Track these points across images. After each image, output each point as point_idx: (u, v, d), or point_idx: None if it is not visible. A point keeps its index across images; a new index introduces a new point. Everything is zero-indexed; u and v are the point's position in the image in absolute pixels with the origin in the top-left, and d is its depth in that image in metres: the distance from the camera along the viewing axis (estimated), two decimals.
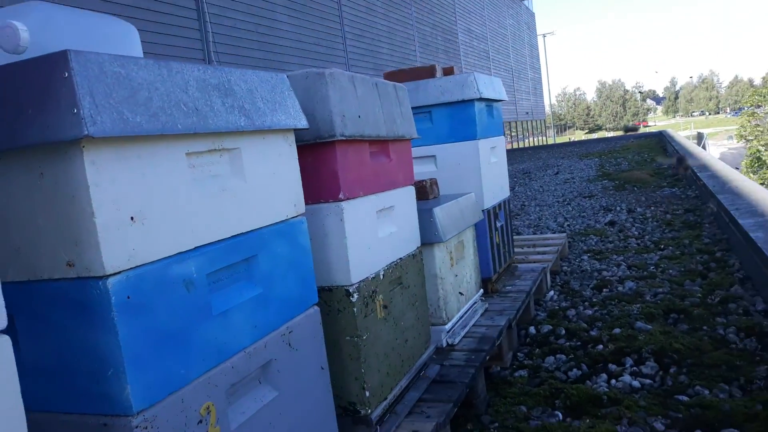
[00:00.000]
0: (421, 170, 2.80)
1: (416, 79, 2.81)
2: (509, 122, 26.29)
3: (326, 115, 1.42)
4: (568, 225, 5.03)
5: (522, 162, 14.22)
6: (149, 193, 0.93)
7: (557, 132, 79.67)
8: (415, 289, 1.86)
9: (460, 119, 2.72)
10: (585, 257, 3.84)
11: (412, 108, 2.59)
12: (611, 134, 67.08)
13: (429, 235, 2.05)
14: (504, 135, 3.15)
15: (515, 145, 26.70)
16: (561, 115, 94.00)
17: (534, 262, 3.32)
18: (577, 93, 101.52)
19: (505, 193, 3.07)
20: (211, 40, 9.26)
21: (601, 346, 2.41)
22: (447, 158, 2.75)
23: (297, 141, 1.44)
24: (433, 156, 2.78)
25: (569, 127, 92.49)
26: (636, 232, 4.41)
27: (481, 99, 2.71)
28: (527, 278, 2.94)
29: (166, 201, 0.96)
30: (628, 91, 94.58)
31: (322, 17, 12.29)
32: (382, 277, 1.63)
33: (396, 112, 1.80)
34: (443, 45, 18.88)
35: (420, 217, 2.02)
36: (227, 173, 1.13)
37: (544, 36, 46.60)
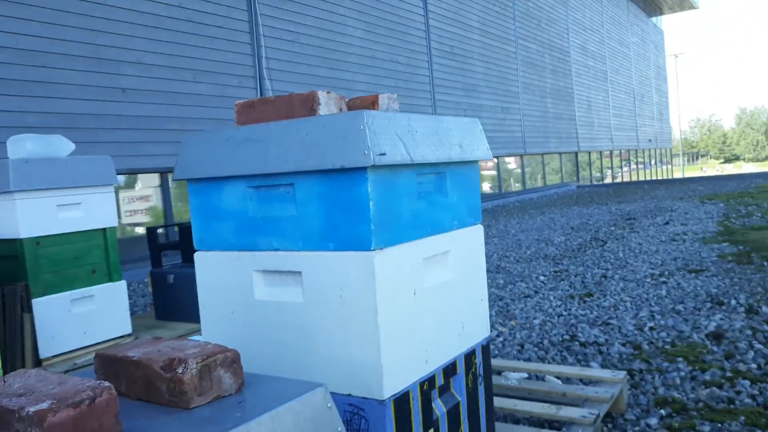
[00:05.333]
0: (276, 298, 1.41)
1: (284, 117, 1.44)
2: (629, 150, 23.76)
3: None
4: (653, 329, 3.37)
5: (631, 201, 12.16)
6: None
7: (689, 160, 73.83)
8: None
9: (341, 205, 1.31)
10: (653, 420, 2.24)
11: (258, 176, 1.26)
12: (750, 166, 60.95)
13: None
14: (479, 221, 1.69)
15: (634, 177, 24.07)
16: (693, 142, 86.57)
17: None
18: (713, 119, 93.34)
19: (467, 341, 1.60)
20: (264, 54, 8.27)
21: None
22: (319, 281, 1.35)
23: None
24: (298, 273, 1.39)
25: (702, 156, 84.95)
26: (755, 364, 2.71)
27: (379, 167, 1.29)
28: None
29: None
30: None
31: (402, 31, 11.05)
32: None
33: None
34: (551, 64, 17.08)
35: None
36: None
37: (675, 56, 42.91)
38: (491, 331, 3.57)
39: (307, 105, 1.42)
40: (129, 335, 3.49)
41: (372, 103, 1.56)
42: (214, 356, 1.07)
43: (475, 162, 1.64)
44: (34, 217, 3.05)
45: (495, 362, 2.67)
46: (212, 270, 1.51)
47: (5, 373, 2.95)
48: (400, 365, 1.33)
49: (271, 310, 1.42)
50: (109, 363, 1.15)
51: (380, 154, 1.24)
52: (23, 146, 3.16)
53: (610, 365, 2.86)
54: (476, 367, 1.63)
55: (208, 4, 7.64)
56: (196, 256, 1.54)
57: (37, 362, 3.06)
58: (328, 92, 1.44)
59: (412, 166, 1.38)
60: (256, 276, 1.44)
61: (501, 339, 3.41)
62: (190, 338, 1.26)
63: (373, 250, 1.26)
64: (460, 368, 1.55)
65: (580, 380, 2.50)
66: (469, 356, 1.60)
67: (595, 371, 2.43)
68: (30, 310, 3.03)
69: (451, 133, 1.51)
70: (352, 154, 1.24)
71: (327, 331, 1.33)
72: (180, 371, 1.02)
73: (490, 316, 3.93)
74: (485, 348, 1.68)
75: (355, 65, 9.81)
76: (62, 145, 3.31)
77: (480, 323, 1.66)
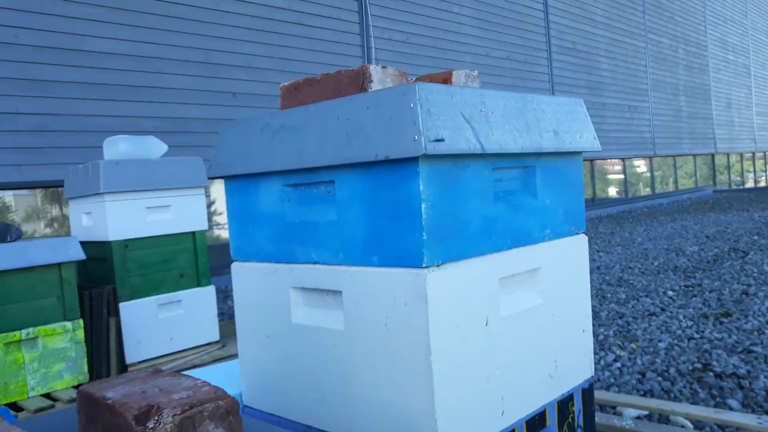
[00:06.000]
0: (314, 322, 1.14)
1: (332, 98, 1.16)
2: (765, 153, 21.47)
3: None
4: None
5: (765, 208, 10.82)
6: None
7: None
8: None
9: (385, 208, 1.01)
10: None
11: (295, 172, 1.00)
12: None
13: None
14: (582, 230, 1.32)
15: None
16: None
17: None
18: None
19: (562, 385, 1.24)
20: (374, 56, 8.13)
21: None
22: (361, 304, 1.06)
23: None
24: (338, 292, 1.11)
25: None
26: None
27: (436, 157, 0.97)
28: None
29: None
30: None
31: (520, 27, 10.55)
32: None
33: None
34: (685, 59, 15.75)
35: None
36: None
37: None
38: (607, 354, 3.11)
39: (357, 83, 1.14)
40: (216, 342, 3.38)
41: (444, 81, 1.25)
42: (201, 406, 0.81)
43: (577, 154, 1.29)
44: (122, 219, 3.00)
45: (608, 395, 2.25)
46: (248, 285, 1.27)
47: (91, 377, 2.92)
48: (465, 418, 1.01)
49: (310, 337, 1.15)
50: (88, 403, 0.93)
51: (436, 140, 0.93)
52: (116, 148, 3.14)
53: (754, 404, 2.34)
54: (574, 416, 1.27)
55: (318, 6, 7.62)
56: (233, 267, 1.30)
57: (123, 368, 3.02)
58: (384, 66, 1.15)
59: (485, 156, 1.05)
60: (294, 294, 1.17)
61: (618, 365, 2.94)
62: (188, 374, 1.02)
63: (426, 267, 0.96)
64: (551, 419, 1.20)
65: (716, 425, 2.03)
66: (565, 403, 1.24)
67: (736, 415, 1.95)
68: (117, 314, 2.99)
69: (543, 116, 1.17)
70: (399, 141, 0.94)
71: (371, 368, 1.04)
72: (151, 426, 0.77)
73: (607, 336, 3.46)
74: (587, 392, 1.31)
75: (468, 65, 9.45)
76: (155, 147, 3.27)
77: (580, 361, 1.30)
